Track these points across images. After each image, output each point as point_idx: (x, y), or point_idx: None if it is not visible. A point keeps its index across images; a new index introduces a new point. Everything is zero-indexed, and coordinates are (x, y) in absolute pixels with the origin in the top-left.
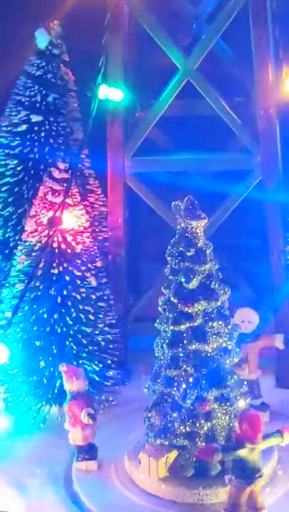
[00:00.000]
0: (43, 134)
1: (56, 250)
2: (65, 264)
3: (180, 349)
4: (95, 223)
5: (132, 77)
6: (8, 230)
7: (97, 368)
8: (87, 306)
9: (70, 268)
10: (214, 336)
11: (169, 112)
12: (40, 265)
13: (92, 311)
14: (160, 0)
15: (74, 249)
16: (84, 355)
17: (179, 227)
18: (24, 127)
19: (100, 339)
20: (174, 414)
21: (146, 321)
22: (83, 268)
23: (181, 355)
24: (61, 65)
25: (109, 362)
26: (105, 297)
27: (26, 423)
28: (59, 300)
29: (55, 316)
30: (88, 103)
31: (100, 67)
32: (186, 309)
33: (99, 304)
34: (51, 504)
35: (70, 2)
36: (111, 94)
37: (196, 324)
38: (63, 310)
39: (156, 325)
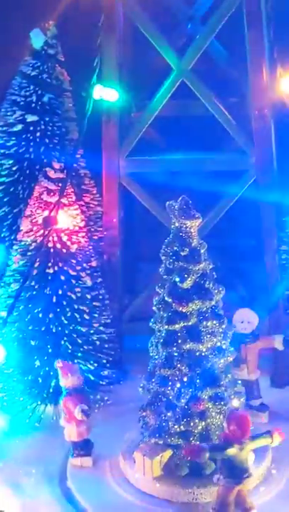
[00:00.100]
0: (38, 134)
1: (51, 250)
2: (60, 264)
3: (174, 348)
4: (90, 223)
5: (127, 77)
6: (4, 230)
7: (92, 368)
8: (82, 306)
9: (66, 268)
10: (208, 336)
11: (164, 113)
12: (36, 265)
13: (88, 310)
14: (154, 0)
15: (69, 249)
16: (79, 354)
17: (173, 226)
18: (19, 127)
19: (95, 338)
20: (169, 414)
21: (141, 321)
22: (78, 268)
23: (175, 354)
24: (56, 65)
25: (105, 361)
26: (100, 297)
27: (21, 422)
28: (54, 299)
29: (51, 315)
30: (83, 103)
31: (94, 67)
32: (181, 309)
33: (94, 303)
34: (46, 503)
35: (65, 2)
36: (106, 94)
37: (190, 324)
38: (58, 309)
39: (150, 324)
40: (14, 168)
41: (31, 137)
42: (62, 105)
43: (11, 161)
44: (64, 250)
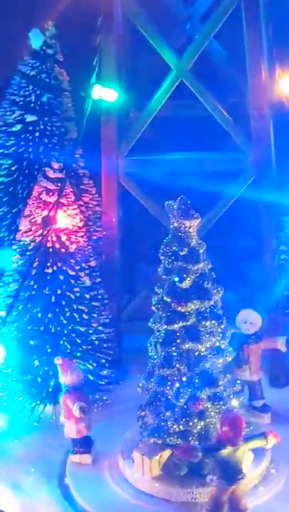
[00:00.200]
0: (37, 134)
1: (50, 250)
2: (59, 264)
3: (173, 348)
4: (89, 223)
5: (126, 77)
6: (3, 230)
7: (91, 367)
8: (81, 306)
9: (64, 267)
10: (207, 335)
11: (163, 113)
12: (35, 264)
13: (86, 310)
14: (154, 0)
15: (68, 249)
16: (78, 354)
17: (172, 226)
18: (19, 127)
19: (94, 338)
20: (168, 413)
21: (140, 321)
22: (77, 267)
23: (174, 354)
24: (55, 65)
25: (104, 361)
26: (99, 297)
27: (21, 422)
28: (53, 299)
29: (50, 315)
30: (82, 103)
31: (93, 67)
32: (180, 308)
33: (93, 303)
34: (45, 502)
35: (64, 3)
36: (105, 94)
37: (189, 323)
38: (57, 309)
39: (149, 324)
40: (13, 168)
41: (30, 137)
42: (61, 105)
43: (10, 161)
44: (63, 250)
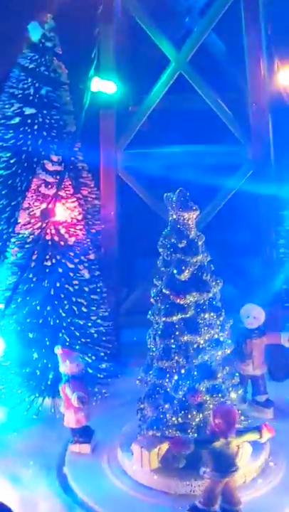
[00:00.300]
0: (36, 127)
1: (49, 243)
2: (58, 257)
3: (172, 340)
4: (88, 216)
5: (125, 70)
6: (2, 223)
7: (90, 361)
8: (80, 299)
9: (63, 260)
10: (206, 328)
11: (162, 106)
12: (34, 257)
13: (85, 303)
14: None
15: (67, 242)
16: (77, 347)
17: (170, 219)
18: (17, 120)
19: (93, 331)
20: (166, 406)
21: (139, 314)
22: (76, 260)
23: (173, 346)
24: (54, 58)
25: (103, 354)
26: (98, 290)
27: (19, 415)
28: (52, 292)
29: (48, 308)
30: (81, 96)
31: (92, 60)
32: (178, 301)
33: (92, 296)
34: (44, 495)
35: None
36: (103, 86)
37: (188, 316)
38: (56, 302)
39: (148, 316)
40: (12, 161)
41: (29, 130)
42: (60, 98)
43: (8, 154)
44: (62, 243)
